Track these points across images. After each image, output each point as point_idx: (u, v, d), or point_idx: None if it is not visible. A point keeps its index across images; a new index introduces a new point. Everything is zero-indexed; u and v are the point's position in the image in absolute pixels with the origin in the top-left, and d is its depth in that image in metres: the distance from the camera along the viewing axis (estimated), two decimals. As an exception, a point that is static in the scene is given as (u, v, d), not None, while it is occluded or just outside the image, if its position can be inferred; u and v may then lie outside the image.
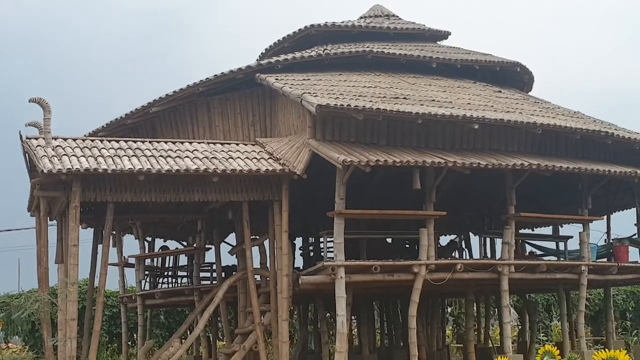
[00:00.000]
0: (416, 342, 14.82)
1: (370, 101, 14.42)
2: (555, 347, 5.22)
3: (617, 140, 16.06)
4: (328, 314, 19.30)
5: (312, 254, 21.02)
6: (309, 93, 14.19)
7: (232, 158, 15.04)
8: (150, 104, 18.15)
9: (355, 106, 13.53)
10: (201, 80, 17.83)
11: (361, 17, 23.02)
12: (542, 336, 27.55)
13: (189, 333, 16.82)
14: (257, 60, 22.13)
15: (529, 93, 22.12)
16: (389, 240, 19.74)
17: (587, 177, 16.02)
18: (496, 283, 15.40)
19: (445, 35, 22.72)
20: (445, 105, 15.31)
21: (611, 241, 17.94)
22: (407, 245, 19.72)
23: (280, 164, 14.85)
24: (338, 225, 14.08)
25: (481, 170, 14.54)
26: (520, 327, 23.44)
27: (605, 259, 17.74)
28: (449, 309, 28.38)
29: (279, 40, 21.51)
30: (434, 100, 15.60)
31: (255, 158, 15.19)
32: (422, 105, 14.76)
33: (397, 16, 23.12)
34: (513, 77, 21.18)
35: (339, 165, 13.22)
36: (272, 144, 15.95)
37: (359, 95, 15.03)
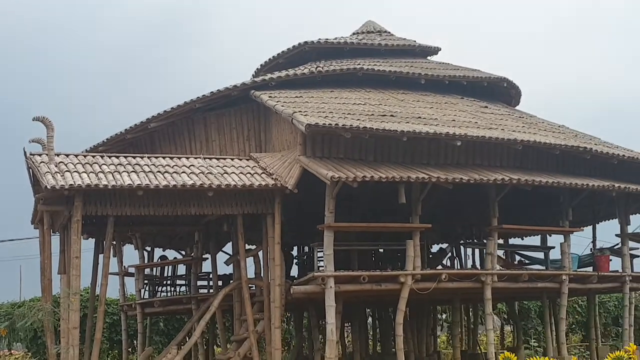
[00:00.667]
0: (403, 349, 15.47)
1: (358, 119, 15.14)
2: (513, 354, 5.83)
3: (596, 155, 16.77)
4: (322, 322, 19.98)
5: (305, 263, 21.71)
6: (300, 112, 14.92)
7: (227, 173, 15.75)
8: (148, 120, 18.87)
9: (343, 125, 14.25)
10: (198, 97, 18.54)
11: (354, 33, 23.77)
12: (534, 342, 28.16)
13: (187, 340, 17.52)
14: (253, 75, 22.94)
15: (517, 107, 22.90)
16: (381, 250, 20.43)
17: (567, 191, 16.71)
18: (480, 292, 16.07)
19: (435, 50, 23.47)
20: (430, 122, 16.02)
21: (593, 251, 18.62)
22: (399, 254, 20.41)
23: (273, 179, 15.56)
24: (327, 238, 14.79)
25: (465, 185, 15.23)
26: (513, 332, 24.13)
27: (590, 268, 18.42)
28: (444, 316, 29.04)
29: (273, 57, 22.24)
30: (419, 117, 16.32)
31: (249, 173, 15.90)
32: (407, 122, 15.48)
33: (389, 32, 23.86)
34: (500, 91, 21.89)
35: (327, 181, 13.93)
36: (266, 159, 16.66)
37: (348, 113, 15.74)
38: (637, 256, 19.01)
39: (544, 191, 16.93)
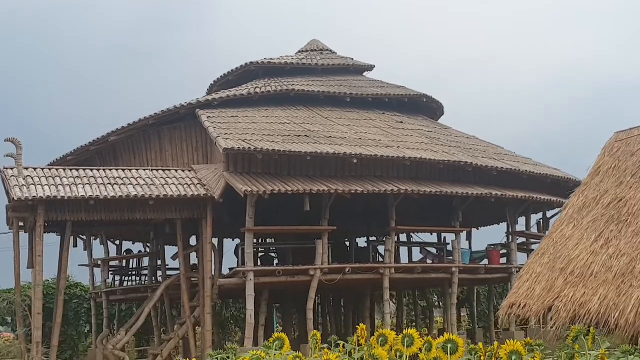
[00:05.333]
0: (312, 329, 18.61)
1: (273, 140, 18.26)
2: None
3: (476, 167, 19.88)
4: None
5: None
6: (226, 133, 18.02)
7: (167, 184, 18.88)
8: (109, 134, 22.00)
9: (255, 148, 17.38)
10: (151, 115, 21.61)
11: (299, 51, 26.84)
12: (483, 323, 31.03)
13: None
14: (207, 89, 26.12)
15: (441, 118, 26.06)
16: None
17: (457, 197, 19.80)
18: (380, 282, 19.23)
19: (369, 67, 26.55)
20: (337, 141, 19.13)
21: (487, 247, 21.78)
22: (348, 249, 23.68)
23: (205, 189, 18.69)
24: (248, 239, 17.96)
25: (362, 194, 18.36)
26: (469, 314, 26.94)
27: (486, 261, 21.55)
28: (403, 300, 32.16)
29: (224, 74, 25.36)
30: (330, 136, 19.42)
31: (187, 183, 19.03)
32: (315, 143, 18.58)
33: (331, 50, 26.92)
34: (423, 106, 24.97)
35: (241, 194, 17.07)
36: (203, 170, 19.78)
37: (268, 134, 18.85)
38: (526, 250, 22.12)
39: (439, 197, 19.98)
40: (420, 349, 4.34)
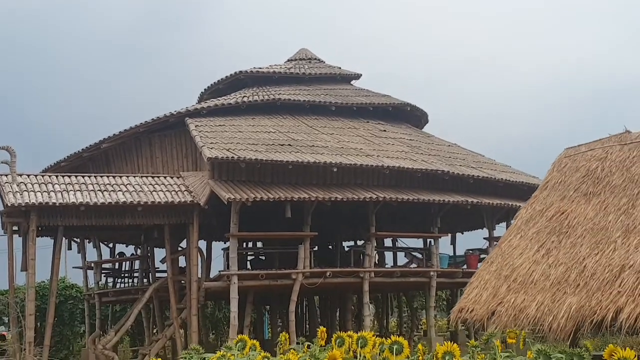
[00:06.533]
0: (294, 331, 19.40)
1: (257, 150, 19.02)
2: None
3: (453, 176, 20.64)
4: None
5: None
6: (208, 144, 18.78)
7: (155, 191, 19.64)
8: (101, 141, 22.77)
9: (238, 157, 18.13)
10: (142, 123, 22.36)
11: (288, 60, 27.63)
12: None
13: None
14: (198, 97, 26.90)
15: (426, 126, 26.83)
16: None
17: (435, 205, 20.55)
18: (360, 286, 19.98)
19: (357, 76, 27.33)
20: (320, 150, 19.89)
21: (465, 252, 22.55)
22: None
23: (192, 196, 19.45)
24: (232, 244, 18.73)
25: (342, 202, 19.11)
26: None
27: (465, 266, 22.30)
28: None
29: (214, 83, 26.16)
30: (313, 145, 20.18)
31: (174, 190, 19.80)
32: (298, 152, 19.33)
33: (319, 59, 27.71)
34: (407, 114, 25.74)
35: (225, 201, 17.83)
36: (190, 178, 20.54)
37: (253, 143, 19.62)
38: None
39: (418, 204, 20.72)
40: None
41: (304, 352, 5.38)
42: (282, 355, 5.33)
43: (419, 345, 5.33)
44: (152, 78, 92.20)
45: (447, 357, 5.03)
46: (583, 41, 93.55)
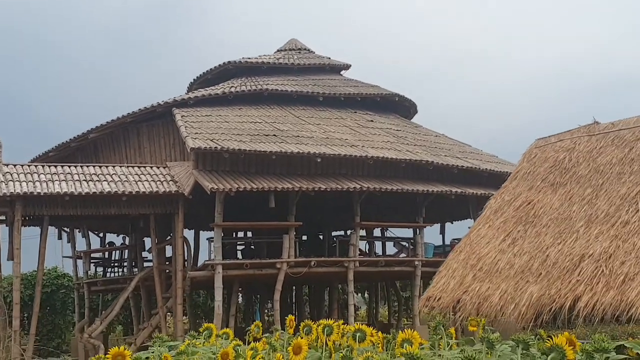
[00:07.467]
0: (279, 319, 19.52)
1: (241, 140, 19.10)
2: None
3: (438, 166, 20.72)
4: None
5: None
6: (192, 134, 18.87)
7: (140, 180, 19.73)
8: (89, 131, 22.86)
9: (222, 148, 18.22)
10: (129, 113, 22.43)
11: (278, 50, 27.69)
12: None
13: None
14: (187, 87, 26.98)
15: (415, 116, 26.90)
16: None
17: (419, 195, 20.64)
18: (345, 275, 20.10)
19: (346, 66, 27.39)
20: (304, 140, 19.97)
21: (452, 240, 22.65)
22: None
23: (177, 186, 19.55)
24: (217, 233, 18.83)
25: (326, 192, 19.20)
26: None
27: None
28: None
29: (203, 73, 26.22)
30: (298, 136, 20.26)
31: (159, 180, 19.89)
32: (282, 142, 19.42)
33: (309, 50, 27.76)
34: (396, 105, 25.80)
35: (208, 191, 17.93)
36: (176, 168, 20.63)
37: (238, 134, 19.70)
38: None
39: (403, 194, 20.81)
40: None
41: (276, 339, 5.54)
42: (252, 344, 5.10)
43: (379, 333, 5.46)
44: (144, 68, 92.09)
45: (405, 345, 5.19)
46: (584, 34, 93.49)
